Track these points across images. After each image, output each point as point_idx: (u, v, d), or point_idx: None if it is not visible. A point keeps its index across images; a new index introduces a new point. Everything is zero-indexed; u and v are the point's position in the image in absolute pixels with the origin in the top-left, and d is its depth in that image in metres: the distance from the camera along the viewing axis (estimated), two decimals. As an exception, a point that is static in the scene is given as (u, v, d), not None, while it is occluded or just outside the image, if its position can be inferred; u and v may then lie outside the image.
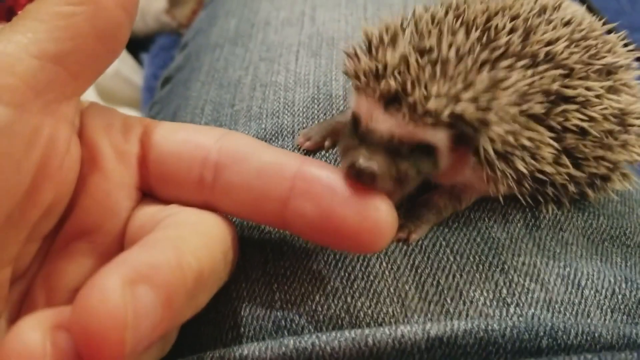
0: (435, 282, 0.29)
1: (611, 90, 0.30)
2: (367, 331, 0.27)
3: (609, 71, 0.30)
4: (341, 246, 0.28)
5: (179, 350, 0.29)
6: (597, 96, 0.29)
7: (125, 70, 0.78)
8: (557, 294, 0.29)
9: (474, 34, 0.27)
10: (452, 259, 0.30)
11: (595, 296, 0.30)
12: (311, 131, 0.36)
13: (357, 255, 0.30)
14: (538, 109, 0.27)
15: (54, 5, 0.26)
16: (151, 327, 0.21)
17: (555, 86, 0.28)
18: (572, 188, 0.31)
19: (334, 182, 0.26)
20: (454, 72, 0.26)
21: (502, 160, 0.27)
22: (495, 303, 0.29)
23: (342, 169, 0.26)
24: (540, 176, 0.29)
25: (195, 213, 0.27)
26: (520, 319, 0.28)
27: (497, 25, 0.28)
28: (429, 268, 0.30)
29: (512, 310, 0.28)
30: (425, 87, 0.25)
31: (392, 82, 0.26)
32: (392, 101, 0.26)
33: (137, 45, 0.82)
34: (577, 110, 0.28)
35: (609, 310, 0.29)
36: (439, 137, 0.27)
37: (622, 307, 0.30)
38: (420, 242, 0.31)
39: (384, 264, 0.30)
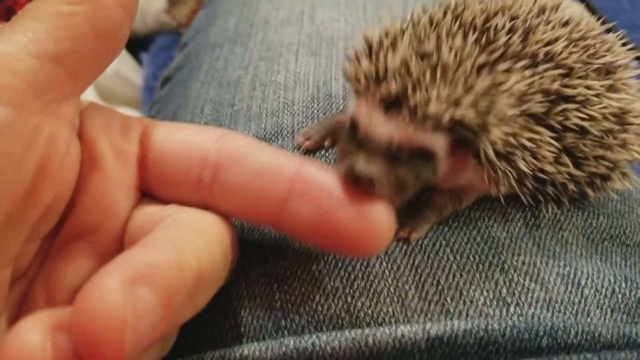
0: (435, 282, 0.29)
1: (610, 89, 0.30)
2: (367, 331, 0.27)
3: (608, 70, 0.31)
4: (338, 249, 0.28)
5: (179, 351, 0.29)
6: (597, 95, 0.29)
7: (125, 70, 0.78)
8: (557, 293, 0.29)
9: (473, 36, 0.27)
10: (452, 258, 0.30)
11: (595, 295, 0.30)
12: (311, 130, 0.36)
13: (356, 256, 0.31)
14: (538, 108, 0.27)
15: (53, 4, 0.26)
16: (151, 327, 0.21)
17: (555, 86, 0.28)
18: (572, 187, 0.31)
19: (332, 185, 0.26)
20: (454, 76, 0.26)
21: (504, 160, 0.27)
22: (495, 302, 0.29)
23: (339, 173, 0.26)
24: (541, 175, 0.29)
25: (195, 213, 0.27)
26: (520, 318, 0.28)
27: (496, 26, 0.28)
28: (429, 268, 0.30)
29: (512, 309, 0.28)
30: (426, 91, 0.26)
31: (393, 86, 0.26)
32: (392, 105, 0.26)
33: (137, 45, 0.82)
34: (576, 110, 0.28)
35: (608, 309, 0.30)
36: (438, 142, 0.27)
37: (621, 306, 0.30)
38: (420, 241, 0.31)
39: (384, 263, 0.30)
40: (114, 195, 0.28)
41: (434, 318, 0.28)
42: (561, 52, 0.29)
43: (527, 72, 0.27)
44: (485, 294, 0.29)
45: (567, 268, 0.31)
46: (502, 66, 0.27)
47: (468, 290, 0.29)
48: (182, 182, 0.28)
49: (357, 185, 0.26)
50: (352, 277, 0.30)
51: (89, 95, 0.70)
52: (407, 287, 0.29)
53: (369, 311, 0.29)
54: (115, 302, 0.20)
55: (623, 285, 0.31)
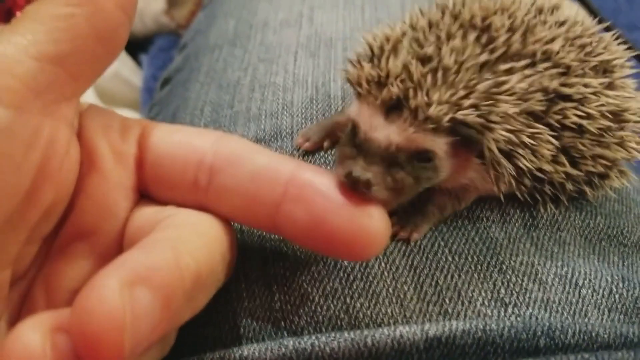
0: (433, 283, 0.30)
1: (608, 87, 0.30)
2: (366, 332, 0.27)
3: (605, 69, 0.31)
4: (333, 253, 0.28)
5: (179, 352, 0.29)
6: (594, 93, 0.29)
7: (124, 71, 0.78)
8: (555, 293, 0.29)
9: (473, 35, 0.28)
10: (450, 259, 0.30)
11: (592, 295, 0.30)
12: (310, 132, 0.36)
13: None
14: (537, 107, 0.27)
15: (53, 6, 0.26)
16: (150, 328, 0.21)
17: (553, 85, 0.28)
18: (569, 186, 0.31)
19: (326, 189, 0.26)
20: (455, 79, 0.26)
21: (506, 158, 0.27)
22: (493, 303, 0.29)
23: (337, 176, 0.26)
24: (539, 174, 0.29)
25: (194, 214, 0.27)
26: (518, 318, 0.28)
27: (495, 24, 0.28)
28: (428, 268, 0.30)
29: (510, 310, 0.29)
30: (427, 94, 0.26)
31: (395, 89, 0.26)
32: (393, 108, 0.27)
33: (136, 47, 0.82)
34: (574, 108, 0.29)
35: (606, 309, 0.30)
36: (439, 144, 0.27)
37: (619, 306, 0.30)
38: (418, 242, 0.31)
39: (383, 264, 0.30)
40: (112, 196, 0.28)
41: (433, 318, 0.28)
42: (559, 52, 0.29)
43: (527, 72, 0.28)
44: (484, 294, 0.29)
45: (565, 268, 0.31)
46: (504, 66, 0.27)
47: (466, 290, 0.29)
48: (179, 184, 0.28)
49: (355, 190, 0.26)
50: (351, 278, 0.30)
51: (89, 96, 0.70)
52: (405, 288, 0.29)
53: (368, 312, 0.29)
54: (114, 304, 0.20)
55: (620, 285, 0.31)
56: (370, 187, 0.26)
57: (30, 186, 0.25)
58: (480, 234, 0.32)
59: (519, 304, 0.29)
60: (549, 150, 0.28)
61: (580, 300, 0.30)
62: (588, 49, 0.30)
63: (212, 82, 0.45)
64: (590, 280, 0.30)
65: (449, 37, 0.28)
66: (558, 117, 0.28)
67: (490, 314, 0.28)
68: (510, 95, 0.27)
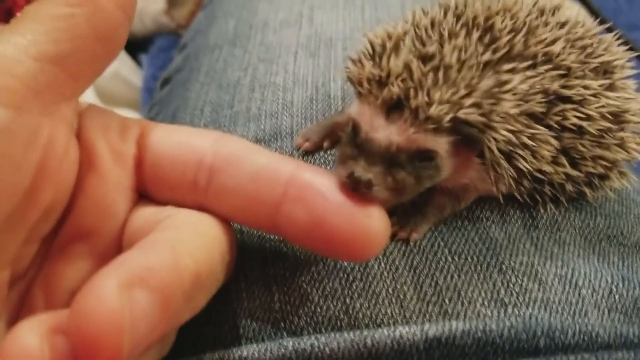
0: (433, 283, 0.30)
1: (608, 88, 0.30)
2: (365, 332, 0.27)
3: (605, 70, 0.31)
4: (332, 253, 0.28)
5: (179, 352, 0.29)
6: (594, 94, 0.29)
7: (124, 71, 0.78)
8: (555, 293, 0.29)
9: (476, 34, 0.28)
10: (450, 259, 0.30)
11: (592, 296, 0.30)
12: (310, 132, 0.36)
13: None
14: (537, 108, 0.27)
15: (52, 6, 0.26)
16: (149, 329, 0.21)
17: (554, 86, 0.28)
18: (569, 187, 0.31)
19: (326, 189, 0.26)
20: (457, 78, 0.26)
21: (506, 160, 0.27)
22: (493, 303, 0.29)
23: (337, 177, 0.26)
24: (539, 175, 0.29)
25: (194, 214, 0.27)
26: (518, 319, 0.28)
27: (498, 25, 0.28)
28: (427, 269, 0.30)
29: (510, 310, 0.29)
30: (428, 94, 0.26)
31: (395, 89, 0.26)
32: (394, 108, 0.27)
33: (136, 47, 0.82)
34: (574, 109, 0.29)
35: (606, 309, 0.30)
36: (440, 143, 0.27)
37: (619, 306, 0.30)
38: (418, 242, 0.31)
39: (383, 264, 0.30)
40: (112, 197, 0.28)
41: (432, 319, 0.28)
42: (560, 54, 0.29)
43: (529, 73, 0.28)
44: (483, 294, 0.29)
45: (565, 268, 0.31)
46: (506, 66, 0.27)
47: (466, 291, 0.29)
48: (178, 184, 0.28)
49: (356, 190, 0.26)
50: (351, 278, 0.30)
51: (89, 96, 0.70)
52: (405, 288, 0.29)
53: (368, 312, 0.29)
54: (112, 305, 0.20)
55: (620, 285, 0.31)
56: (371, 187, 0.26)
57: (29, 186, 0.25)
58: (480, 234, 0.32)
59: (519, 304, 0.29)
60: (548, 151, 0.28)
61: (580, 300, 0.30)
62: (589, 50, 0.30)
63: (212, 82, 0.45)
64: (590, 281, 0.30)
65: (452, 35, 0.28)
66: (558, 118, 0.28)
67: (490, 314, 0.28)
68: (512, 95, 0.27)
